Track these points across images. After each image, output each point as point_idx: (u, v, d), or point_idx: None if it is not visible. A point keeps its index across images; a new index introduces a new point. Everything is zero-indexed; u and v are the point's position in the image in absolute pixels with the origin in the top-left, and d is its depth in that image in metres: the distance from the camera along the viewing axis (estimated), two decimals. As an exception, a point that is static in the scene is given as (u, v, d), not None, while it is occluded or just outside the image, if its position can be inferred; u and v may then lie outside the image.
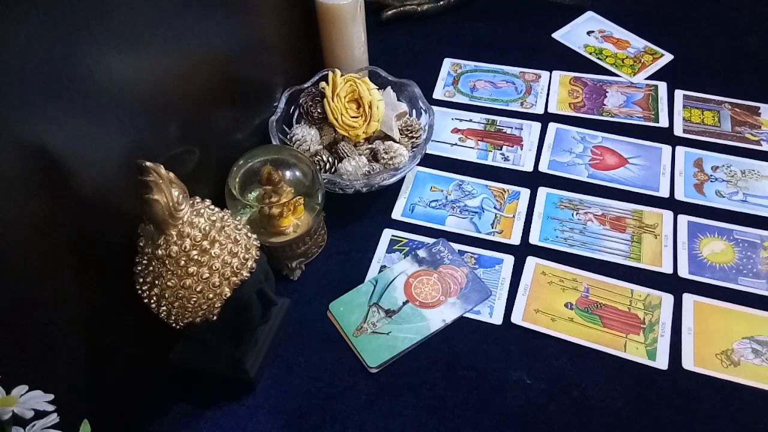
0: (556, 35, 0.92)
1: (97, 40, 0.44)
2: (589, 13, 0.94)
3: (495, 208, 0.72)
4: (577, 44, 0.90)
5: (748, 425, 0.54)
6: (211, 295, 0.47)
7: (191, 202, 0.48)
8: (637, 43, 0.90)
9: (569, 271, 0.65)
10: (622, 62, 0.86)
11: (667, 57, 0.87)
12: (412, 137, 0.73)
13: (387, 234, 0.70)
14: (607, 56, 0.88)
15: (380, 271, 0.67)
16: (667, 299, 0.62)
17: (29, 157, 0.40)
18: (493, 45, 0.91)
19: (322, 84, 0.72)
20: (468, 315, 0.63)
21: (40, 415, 0.36)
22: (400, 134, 0.72)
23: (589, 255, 0.66)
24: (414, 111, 0.76)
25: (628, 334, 0.60)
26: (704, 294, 0.62)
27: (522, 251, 0.67)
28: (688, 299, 0.62)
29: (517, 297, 0.63)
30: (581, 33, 0.92)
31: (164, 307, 0.47)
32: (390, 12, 0.95)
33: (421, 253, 0.67)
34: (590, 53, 0.88)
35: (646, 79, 0.84)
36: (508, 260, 0.67)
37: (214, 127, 0.64)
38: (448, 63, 0.89)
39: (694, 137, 0.77)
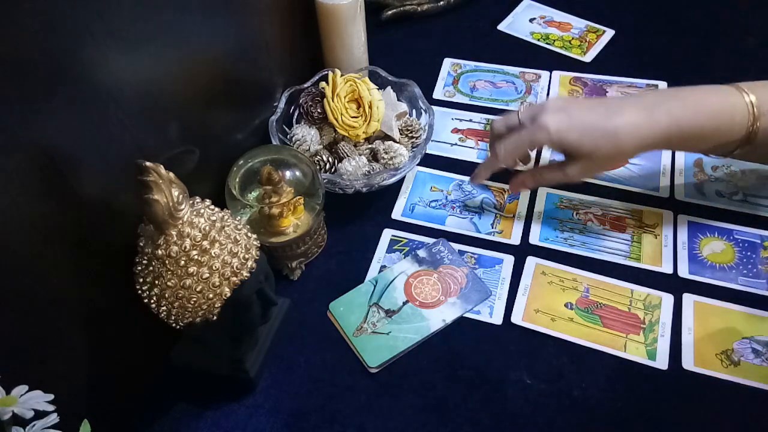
0: (501, 26, 0.93)
1: (97, 40, 0.44)
2: (527, 2, 0.97)
3: (495, 208, 0.72)
4: (523, 33, 0.92)
5: (748, 425, 0.54)
6: (211, 295, 0.47)
7: (191, 202, 0.48)
8: (578, 23, 0.93)
9: (569, 271, 0.65)
10: (570, 44, 0.89)
11: (609, 33, 0.91)
12: (412, 137, 0.73)
13: (387, 234, 0.70)
14: (554, 40, 0.91)
15: (380, 271, 0.67)
16: (667, 299, 0.62)
17: (29, 157, 0.40)
18: (493, 45, 0.91)
19: (322, 84, 0.72)
20: (468, 315, 0.63)
21: (40, 415, 0.36)
22: (400, 134, 0.72)
23: (589, 255, 0.66)
24: (414, 111, 0.76)
25: (628, 334, 0.60)
26: (704, 294, 0.62)
27: (522, 251, 0.67)
28: (688, 299, 0.62)
29: (517, 297, 0.63)
30: (524, 21, 0.94)
31: (164, 307, 0.47)
32: (390, 12, 0.95)
33: (421, 253, 0.67)
34: (538, 40, 0.91)
35: (645, 79, 0.84)
36: (508, 260, 0.67)
37: (214, 127, 0.64)
38: (448, 63, 0.89)
39: (694, 137, 0.77)
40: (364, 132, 0.70)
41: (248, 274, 0.49)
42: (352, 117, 0.70)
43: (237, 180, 0.62)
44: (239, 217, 0.64)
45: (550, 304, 0.63)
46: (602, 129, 0.59)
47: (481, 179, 0.70)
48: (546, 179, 0.66)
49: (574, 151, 0.61)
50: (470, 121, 0.82)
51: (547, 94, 0.83)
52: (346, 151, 0.70)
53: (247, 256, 0.49)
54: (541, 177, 0.66)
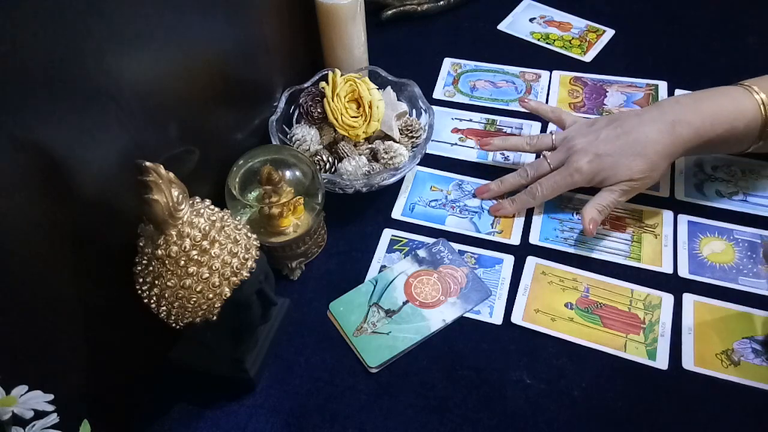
0: (501, 26, 0.94)
1: (97, 40, 0.44)
2: (527, 1, 0.97)
3: (495, 208, 0.72)
4: (523, 33, 0.93)
5: (748, 425, 0.54)
6: (210, 295, 0.47)
7: (191, 202, 0.48)
8: (578, 23, 0.93)
9: (569, 271, 0.65)
10: (570, 43, 0.90)
11: (609, 33, 0.91)
12: (412, 137, 0.73)
13: (387, 234, 0.70)
14: (554, 40, 0.91)
15: (380, 271, 0.67)
16: (667, 299, 0.62)
17: (29, 157, 0.40)
18: (493, 45, 0.91)
19: (322, 84, 0.72)
20: (468, 315, 0.63)
21: (40, 415, 0.36)
22: (400, 134, 0.72)
23: (589, 255, 0.66)
24: (414, 111, 0.76)
25: (628, 333, 0.60)
26: (704, 294, 0.62)
27: (522, 251, 0.67)
28: (688, 299, 0.62)
29: (517, 297, 0.63)
30: (524, 21, 0.94)
31: (164, 307, 0.47)
32: (390, 12, 0.95)
33: (421, 253, 0.67)
34: (538, 39, 0.91)
35: (645, 78, 0.84)
36: (508, 260, 0.67)
37: (214, 127, 0.64)
38: (448, 63, 0.89)
39: (694, 137, 0.77)
40: (364, 132, 0.70)
41: (248, 274, 0.49)
42: (352, 117, 0.70)
43: (237, 180, 0.62)
44: (239, 217, 0.64)
45: (550, 304, 0.63)
46: (631, 153, 0.64)
47: (490, 197, 0.72)
48: (606, 213, 0.66)
49: (612, 182, 0.65)
50: (470, 120, 0.82)
51: (547, 93, 0.83)
52: (346, 151, 0.70)
53: (247, 256, 0.49)
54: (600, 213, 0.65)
